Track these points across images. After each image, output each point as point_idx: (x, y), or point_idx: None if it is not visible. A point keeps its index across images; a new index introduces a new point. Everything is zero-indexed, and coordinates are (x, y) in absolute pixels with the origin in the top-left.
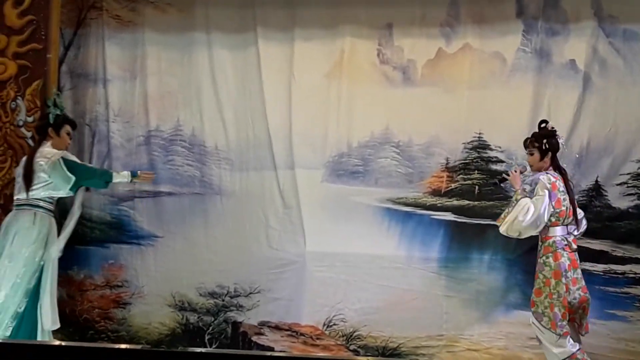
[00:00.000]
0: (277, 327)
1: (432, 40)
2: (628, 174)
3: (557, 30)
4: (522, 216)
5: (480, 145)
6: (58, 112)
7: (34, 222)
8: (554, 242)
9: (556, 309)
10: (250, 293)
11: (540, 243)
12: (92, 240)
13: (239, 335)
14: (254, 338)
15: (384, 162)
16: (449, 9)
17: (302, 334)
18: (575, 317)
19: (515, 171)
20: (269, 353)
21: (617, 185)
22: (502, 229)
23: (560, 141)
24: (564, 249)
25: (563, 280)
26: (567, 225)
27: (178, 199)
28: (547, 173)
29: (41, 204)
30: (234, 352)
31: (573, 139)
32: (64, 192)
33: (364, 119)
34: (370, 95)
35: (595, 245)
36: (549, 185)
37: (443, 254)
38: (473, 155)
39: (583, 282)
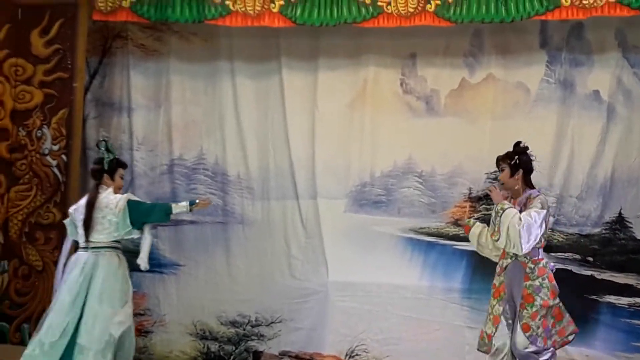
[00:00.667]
0: (297, 357)
1: (455, 71)
2: None
3: (581, 61)
4: (516, 224)
5: None
6: (112, 157)
7: (120, 263)
8: (547, 263)
9: (547, 323)
10: (272, 322)
11: (532, 265)
12: None
13: None
14: None
15: (406, 191)
16: (473, 39)
17: None
18: None
19: (496, 187)
20: None
21: None
22: (500, 241)
23: (534, 161)
24: None
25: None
26: None
27: (200, 228)
28: (542, 193)
29: (119, 245)
30: None
31: (597, 169)
32: (131, 232)
33: (386, 149)
34: (393, 125)
35: (620, 278)
36: (546, 205)
37: (466, 285)
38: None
39: None
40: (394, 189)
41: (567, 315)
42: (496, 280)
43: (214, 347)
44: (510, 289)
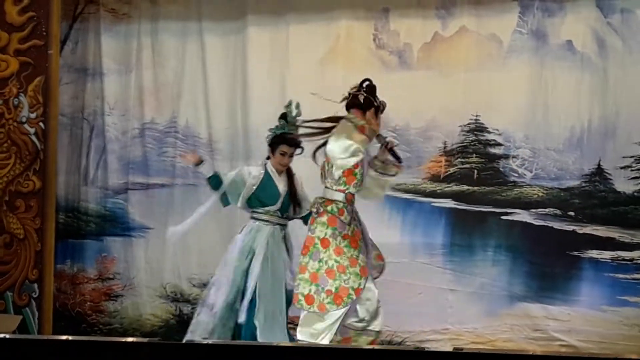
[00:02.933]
0: None
1: (428, 24)
2: (632, 156)
3: (553, 10)
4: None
5: (478, 128)
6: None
7: None
8: None
9: None
10: None
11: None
12: (87, 233)
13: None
14: None
15: None
16: None
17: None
18: None
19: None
20: (274, 343)
21: (621, 168)
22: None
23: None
24: None
25: None
26: None
27: (170, 191)
28: None
29: None
30: (238, 343)
31: (573, 121)
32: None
33: None
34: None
35: (602, 232)
36: None
37: (447, 247)
38: (470, 138)
39: None
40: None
41: None
42: (349, 230)
43: (186, 309)
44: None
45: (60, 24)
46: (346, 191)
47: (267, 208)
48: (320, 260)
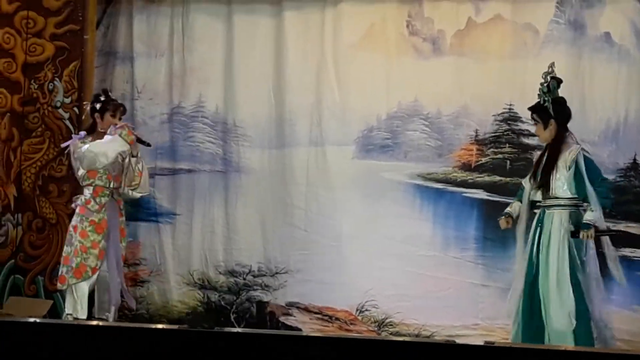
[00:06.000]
0: (306, 309)
1: (462, 10)
2: None
3: (592, 1)
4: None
5: (511, 117)
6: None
7: None
8: None
9: None
10: (277, 273)
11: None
12: None
13: (267, 315)
14: (282, 318)
15: (412, 135)
16: None
17: (337, 319)
18: None
19: None
20: (303, 333)
21: None
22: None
23: None
24: None
25: None
26: None
27: (198, 176)
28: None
29: None
30: (265, 332)
31: (610, 114)
32: None
33: (392, 91)
34: (399, 66)
35: (636, 229)
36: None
37: (479, 242)
38: (504, 128)
39: None
40: (399, 132)
41: None
42: (96, 217)
43: (214, 296)
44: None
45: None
46: (93, 185)
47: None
48: (71, 245)
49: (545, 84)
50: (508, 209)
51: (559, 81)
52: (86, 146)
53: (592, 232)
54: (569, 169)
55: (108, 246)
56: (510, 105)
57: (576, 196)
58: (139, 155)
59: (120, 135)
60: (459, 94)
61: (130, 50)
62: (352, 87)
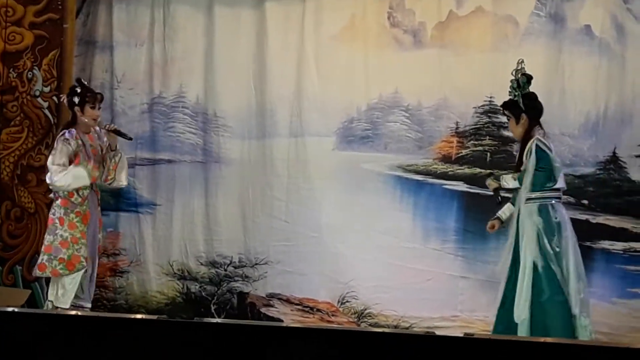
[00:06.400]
0: (287, 300)
1: (443, 3)
2: None
3: None
4: None
5: (492, 110)
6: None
7: None
8: None
9: None
10: (257, 264)
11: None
12: None
13: (247, 306)
14: (263, 310)
15: (393, 126)
16: None
17: (318, 310)
18: None
19: None
20: (283, 324)
21: (637, 157)
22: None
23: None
24: None
25: None
26: None
27: (178, 167)
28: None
29: None
30: (246, 322)
31: (589, 107)
32: None
33: (373, 83)
34: (380, 58)
35: (615, 222)
36: None
37: (459, 233)
38: (484, 120)
39: None
40: (380, 123)
41: None
42: (81, 209)
43: (194, 287)
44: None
45: None
46: None
47: None
48: (55, 234)
49: (515, 80)
50: (499, 212)
51: (528, 77)
52: (54, 178)
53: (495, 222)
54: (529, 161)
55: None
56: (491, 97)
57: (547, 188)
58: (117, 148)
59: (86, 170)
60: (439, 86)
61: (110, 39)
62: (332, 78)
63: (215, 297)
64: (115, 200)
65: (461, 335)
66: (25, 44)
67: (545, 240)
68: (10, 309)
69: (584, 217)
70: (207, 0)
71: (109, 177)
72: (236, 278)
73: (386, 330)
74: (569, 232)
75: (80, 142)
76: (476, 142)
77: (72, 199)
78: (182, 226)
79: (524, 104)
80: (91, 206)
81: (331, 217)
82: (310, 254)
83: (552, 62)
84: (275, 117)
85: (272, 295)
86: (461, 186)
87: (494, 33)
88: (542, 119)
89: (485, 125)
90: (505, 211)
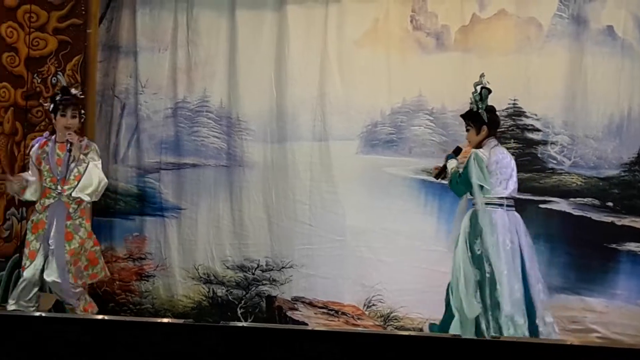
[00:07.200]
0: (311, 304)
1: (466, 6)
2: None
3: None
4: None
5: (516, 113)
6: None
7: None
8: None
9: (80, 263)
10: (283, 267)
11: (75, 206)
12: (116, 212)
13: (275, 310)
14: (289, 313)
15: (417, 130)
16: None
17: (343, 313)
18: None
19: None
20: (309, 327)
21: None
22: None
23: None
24: None
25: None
26: None
27: (203, 171)
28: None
29: None
30: (272, 326)
31: (613, 108)
32: None
33: (396, 86)
34: (403, 61)
35: None
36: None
37: None
38: (508, 123)
39: None
40: (404, 127)
41: (102, 261)
42: (35, 217)
43: (220, 291)
44: (50, 227)
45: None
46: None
47: None
48: None
49: (477, 94)
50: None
51: (489, 90)
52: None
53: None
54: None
55: (50, 248)
56: (515, 100)
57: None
58: (79, 157)
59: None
60: (463, 90)
61: (134, 45)
62: (355, 82)
63: (243, 301)
64: (141, 205)
65: (488, 338)
66: (49, 50)
67: (468, 244)
68: (37, 314)
69: (609, 219)
70: (229, 4)
71: (69, 188)
72: (264, 281)
73: (412, 333)
74: (498, 237)
75: (45, 149)
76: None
77: (36, 206)
78: (207, 230)
79: (487, 117)
80: (55, 217)
81: (355, 221)
82: (335, 257)
83: (574, 63)
84: (298, 121)
85: (297, 299)
86: None
87: (517, 35)
88: (566, 121)
89: (510, 128)
90: (452, 163)
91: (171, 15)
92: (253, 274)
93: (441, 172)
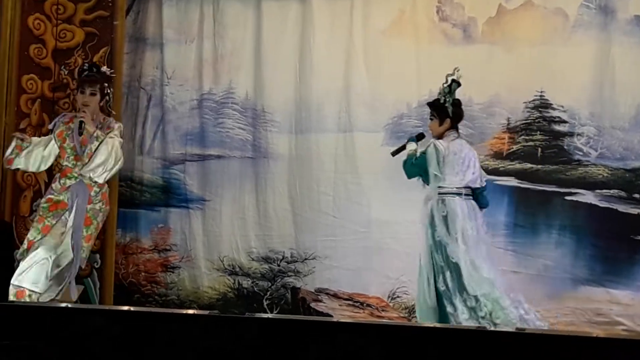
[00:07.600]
0: (335, 295)
1: None
2: None
3: None
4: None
5: (542, 105)
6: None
7: None
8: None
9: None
10: (306, 259)
11: (97, 189)
12: (141, 203)
13: (299, 301)
14: (312, 305)
15: None
16: None
17: (368, 305)
18: None
19: None
20: (334, 319)
21: None
22: None
23: None
24: None
25: None
26: None
27: (227, 163)
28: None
29: None
30: (297, 317)
31: None
32: None
33: (423, 78)
34: (429, 53)
35: None
36: None
37: (510, 228)
38: (535, 115)
39: None
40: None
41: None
42: (54, 197)
43: (246, 283)
44: (70, 209)
45: None
46: (61, 165)
47: None
48: None
49: (447, 85)
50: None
51: (458, 84)
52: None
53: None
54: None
55: (69, 230)
56: (542, 92)
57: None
58: (95, 134)
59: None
60: (490, 82)
61: (160, 37)
62: (381, 74)
63: (269, 293)
64: (166, 196)
65: (513, 330)
66: (76, 41)
67: (430, 231)
68: (63, 305)
69: (635, 211)
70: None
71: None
72: (289, 273)
73: (437, 325)
74: (457, 224)
75: (71, 126)
76: (527, 137)
77: (53, 185)
78: (232, 221)
79: (452, 110)
80: (77, 200)
81: (380, 213)
82: (359, 249)
83: (602, 54)
84: (323, 112)
85: (320, 290)
86: (512, 181)
87: (544, 26)
88: (592, 112)
89: (536, 120)
90: (411, 145)
91: (197, 7)
92: (278, 265)
93: (399, 150)
